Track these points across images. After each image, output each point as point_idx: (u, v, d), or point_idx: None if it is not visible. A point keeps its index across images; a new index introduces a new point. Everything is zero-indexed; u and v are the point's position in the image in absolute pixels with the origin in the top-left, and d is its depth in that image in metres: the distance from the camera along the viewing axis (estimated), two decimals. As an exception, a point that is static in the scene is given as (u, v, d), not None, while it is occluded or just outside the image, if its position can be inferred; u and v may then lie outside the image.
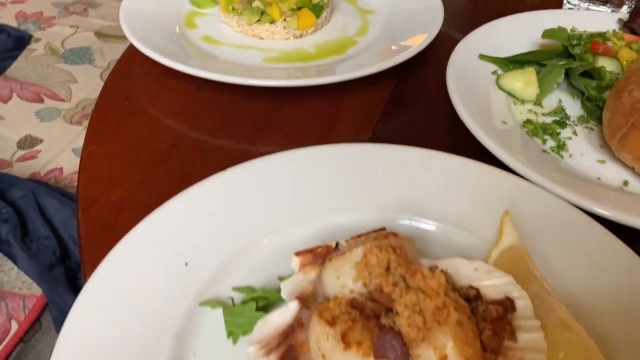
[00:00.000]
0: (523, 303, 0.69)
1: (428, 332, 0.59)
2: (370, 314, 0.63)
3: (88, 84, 2.51)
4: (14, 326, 1.51)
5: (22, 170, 2.04)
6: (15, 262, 1.56)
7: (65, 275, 1.57)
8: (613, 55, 1.19)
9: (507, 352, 0.65)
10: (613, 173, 1.01)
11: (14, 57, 2.64)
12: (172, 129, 1.16)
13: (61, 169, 2.05)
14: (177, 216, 0.83)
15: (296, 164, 0.93)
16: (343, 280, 0.67)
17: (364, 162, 0.93)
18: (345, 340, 0.61)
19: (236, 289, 0.78)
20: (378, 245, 0.66)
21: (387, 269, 0.64)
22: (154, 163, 1.07)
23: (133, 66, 1.35)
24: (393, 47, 1.33)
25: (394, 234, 0.70)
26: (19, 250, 1.54)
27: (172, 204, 0.84)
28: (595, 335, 0.68)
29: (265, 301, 0.74)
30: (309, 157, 0.94)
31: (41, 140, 2.19)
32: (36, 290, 1.59)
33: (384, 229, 0.75)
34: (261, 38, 1.39)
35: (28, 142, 2.17)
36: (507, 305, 0.67)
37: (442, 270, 0.70)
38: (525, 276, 0.72)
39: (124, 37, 1.29)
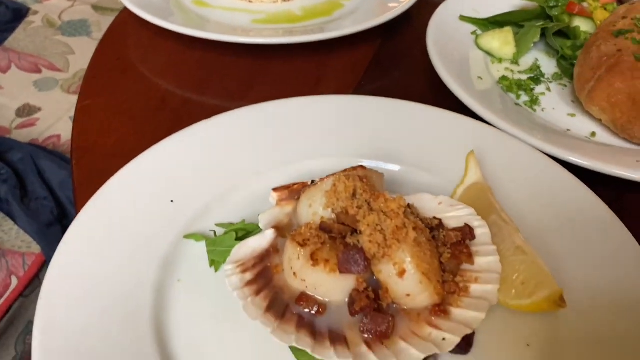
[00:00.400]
0: (482, 231, 0.74)
1: (388, 249, 0.65)
2: (337, 236, 0.68)
3: (85, 55, 2.52)
4: (14, 282, 1.57)
5: (21, 137, 2.09)
6: (14, 221, 1.62)
7: (62, 234, 1.62)
8: (588, 15, 1.23)
9: (465, 274, 0.71)
10: (582, 125, 1.06)
11: (12, 29, 2.68)
12: (162, 85, 1.20)
13: (59, 136, 2.10)
14: (164, 158, 0.89)
15: (277, 113, 0.98)
16: (314, 208, 0.72)
17: (340, 111, 0.98)
18: (314, 259, 0.66)
19: (219, 224, 0.83)
20: (346, 175, 0.72)
21: (354, 195, 0.70)
22: (144, 116, 1.12)
23: (126, 28, 1.39)
24: (378, 9, 1.37)
25: (363, 167, 0.75)
26: (18, 209, 1.60)
27: (160, 146, 0.90)
28: (547, 258, 0.74)
29: (245, 232, 0.79)
30: (289, 107, 0.99)
31: (39, 109, 2.24)
32: (35, 248, 1.65)
33: (360, 166, 0.79)
34: (250, 1, 1.43)
35: (27, 111, 2.22)
36: (466, 231, 0.72)
37: (408, 204, 0.76)
38: (486, 208, 0.77)
39: (121, 11, 1.34)
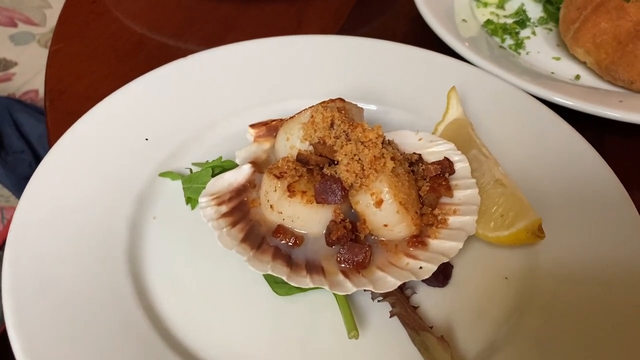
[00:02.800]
0: (461, 165, 0.73)
1: (366, 179, 0.63)
2: (315, 167, 0.67)
3: (63, 10, 2.47)
4: (-6, 236, 1.55)
5: (-3, 92, 2.04)
6: (-9, 174, 1.59)
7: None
8: (576, -41, 1.20)
9: (444, 207, 0.70)
10: (567, 68, 1.05)
11: (-14, -17, 2.59)
12: (138, 29, 1.16)
13: (36, 91, 2.06)
14: (138, 96, 0.86)
15: (256, 53, 0.95)
16: (292, 141, 0.71)
17: (320, 51, 0.96)
18: (290, 190, 0.65)
19: (195, 163, 0.81)
20: (324, 106, 0.70)
21: (331, 125, 0.68)
22: (119, 59, 1.08)
23: (101, -29, 1.34)
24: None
25: (342, 99, 0.73)
26: (-5, 162, 1.57)
27: (134, 84, 0.87)
28: (528, 191, 0.73)
29: (221, 169, 0.77)
30: (268, 47, 0.96)
31: (16, 64, 2.18)
32: (14, 202, 1.62)
33: (338, 98, 0.77)
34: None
35: (2, 65, 2.16)
36: (445, 164, 0.71)
37: (388, 140, 0.75)
38: (467, 142, 0.76)
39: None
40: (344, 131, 0.67)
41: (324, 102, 0.72)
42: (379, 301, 0.64)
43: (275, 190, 0.66)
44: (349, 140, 0.66)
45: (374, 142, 0.65)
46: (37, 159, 1.69)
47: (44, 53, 2.25)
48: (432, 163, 0.72)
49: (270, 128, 0.78)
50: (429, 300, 0.67)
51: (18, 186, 1.58)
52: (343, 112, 0.69)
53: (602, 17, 0.96)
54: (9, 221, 1.61)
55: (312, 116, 0.69)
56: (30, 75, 2.13)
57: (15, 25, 2.37)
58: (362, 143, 0.65)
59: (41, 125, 1.74)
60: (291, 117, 0.73)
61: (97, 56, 1.09)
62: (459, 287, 0.69)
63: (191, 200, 0.77)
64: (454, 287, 0.69)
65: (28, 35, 2.33)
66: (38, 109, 1.85)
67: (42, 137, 1.71)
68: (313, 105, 0.74)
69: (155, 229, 0.74)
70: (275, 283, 0.65)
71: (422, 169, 0.71)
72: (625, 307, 0.64)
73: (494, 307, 0.67)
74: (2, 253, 1.56)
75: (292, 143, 0.70)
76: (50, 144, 0.93)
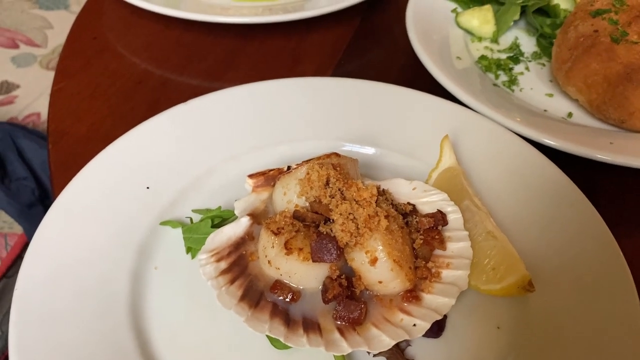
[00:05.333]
0: (454, 216, 0.75)
1: (360, 237, 0.65)
2: (311, 224, 0.69)
3: (64, 30, 2.48)
4: (-3, 262, 1.57)
5: (-1, 115, 2.06)
6: (-5, 202, 1.62)
7: (44, 214, 1.62)
8: (568, -7, 1.22)
9: (437, 259, 0.72)
10: (559, 105, 1.07)
11: (-13, 3, 2.61)
12: (139, 66, 1.19)
13: (38, 114, 2.08)
14: (139, 144, 0.88)
15: (253, 97, 0.97)
16: (289, 196, 0.73)
17: (316, 94, 0.98)
18: (287, 247, 0.67)
19: (195, 210, 0.83)
20: (320, 163, 0.72)
21: (327, 184, 0.70)
22: (120, 98, 1.10)
23: (102, 6, 1.37)
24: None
25: (337, 154, 0.75)
26: (-2, 190, 1.59)
27: (134, 132, 0.89)
28: (518, 241, 0.75)
29: (220, 219, 0.80)
30: (265, 90, 0.98)
31: (18, 86, 2.20)
32: (17, 229, 1.64)
33: (334, 154, 0.80)
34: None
35: (4, 88, 2.18)
36: (438, 217, 0.73)
37: (383, 189, 0.77)
38: (459, 193, 0.78)
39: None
40: (339, 189, 0.69)
41: (319, 157, 0.74)
42: (374, 356, 0.66)
43: (273, 246, 0.68)
44: (344, 199, 0.68)
45: (368, 201, 0.67)
46: (40, 185, 1.71)
47: (46, 75, 2.28)
48: (426, 215, 0.74)
49: (268, 178, 0.80)
50: (423, 351, 0.69)
51: (21, 213, 1.60)
52: (338, 168, 0.71)
53: (593, 58, 0.98)
54: (12, 248, 1.64)
55: (308, 173, 0.71)
56: (32, 98, 2.16)
57: (17, 46, 2.39)
58: (356, 202, 0.67)
59: (43, 151, 1.76)
60: (288, 172, 0.75)
61: (99, 95, 1.11)
62: (453, 337, 0.71)
63: (191, 250, 0.79)
64: (448, 337, 0.71)
65: (30, 56, 2.36)
66: (40, 134, 1.87)
67: (44, 163, 1.73)
68: (310, 160, 0.76)
69: (157, 279, 0.76)
70: (273, 337, 0.67)
71: (416, 221, 0.73)
72: (615, 357, 0.66)
73: (487, 357, 0.69)
74: (6, 280, 1.58)
75: (289, 198, 0.73)
76: (53, 186, 0.95)
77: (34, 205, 1.64)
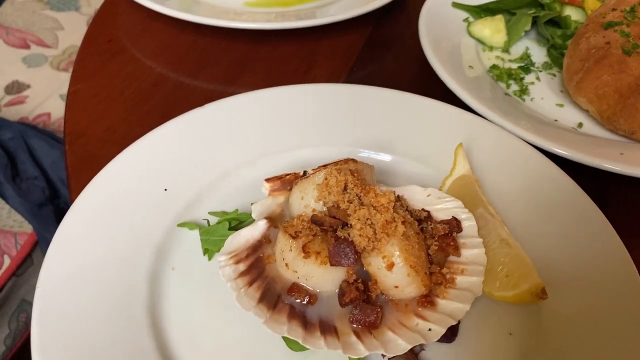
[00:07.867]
0: (469, 223, 0.76)
1: (378, 242, 0.67)
2: (328, 229, 0.70)
3: (74, 31, 2.51)
4: (7, 261, 1.58)
5: (10, 114, 2.07)
6: (6, 201, 1.62)
7: (54, 213, 1.64)
8: (579, 5, 1.24)
9: (451, 265, 0.73)
10: (570, 116, 1.08)
11: (-1, 3, 2.63)
12: (154, 69, 1.20)
13: (49, 114, 2.09)
14: (157, 146, 0.89)
15: (269, 101, 0.98)
16: (306, 200, 0.74)
17: (331, 100, 0.99)
18: (305, 251, 0.68)
19: (212, 213, 0.85)
20: (338, 169, 0.73)
21: (345, 189, 0.71)
22: (136, 100, 1.12)
23: (117, 9, 1.38)
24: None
25: (354, 160, 0.76)
26: (9, 189, 1.60)
27: (152, 135, 0.90)
28: (531, 249, 0.76)
29: (237, 221, 0.81)
30: (281, 95, 0.99)
31: (28, 86, 2.21)
32: (27, 228, 1.65)
33: (351, 159, 0.81)
34: (242, -17, 1.42)
35: (15, 88, 2.19)
36: (453, 224, 0.75)
37: (398, 195, 0.78)
38: (473, 200, 0.79)
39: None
40: (356, 195, 0.70)
41: (337, 162, 0.76)
42: (389, 359, 0.67)
43: (291, 249, 0.69)
44: (362, 204, 0.69)
45: (386, 206, 0.68)
46: (50, 184, 1.73)
47: (57, 75, 2.30)
48: (441, 222, 0.75)
49: (284, 182, 0.81)
50: (436, 356, 0.70)
51: (32, 212, 1.61)
52: (356, 174, 0.73)
53: (604, 69, 1.00)
54: (22, 247, 1.65)
55: (326, 178, 0.72)
56: (42, 98, 2.17)
57: (28, 47, 2.41)
58: (374, 207, 0.68)
59: (53, 151, 1.77)
60: (305, 175, 0.76)
61: (114, 97, 1.12)
62: (466, 342, 0.72)
63: (208, 251, 0.80)
64: (461, 343, 0.72)
65: (40, 57, 2.37)
66: (50, 134, 1.88)
67: (54, 162, 1.75)
68: (327, 165, 0.77)
69: (175, 280, 0.77)
70: (291, 339, 0.68)
71: (431, 227, 0.74)
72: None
73: (499, 362, 0.70)
74: (15, 279, 1.59)
75: (306, 202, 0.74)
76: (70, 187, 0.96)
77: (44, 204, 1.65)
